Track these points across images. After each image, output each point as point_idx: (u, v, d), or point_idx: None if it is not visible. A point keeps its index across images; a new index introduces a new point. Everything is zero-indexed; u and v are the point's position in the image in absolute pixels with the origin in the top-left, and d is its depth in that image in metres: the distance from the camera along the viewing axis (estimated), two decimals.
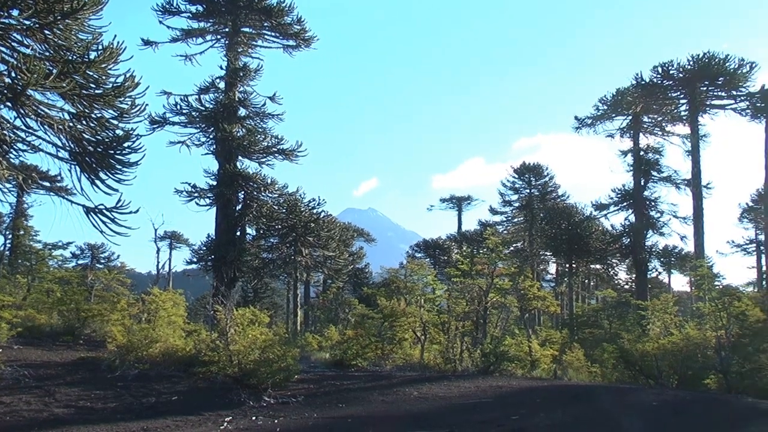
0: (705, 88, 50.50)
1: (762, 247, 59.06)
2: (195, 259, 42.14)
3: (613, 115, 53.59)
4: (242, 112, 38.50)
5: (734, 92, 50.34)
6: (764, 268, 57.12)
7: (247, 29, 39.05)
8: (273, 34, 39.37)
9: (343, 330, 30.20)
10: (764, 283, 54.75)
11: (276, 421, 13.67)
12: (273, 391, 16.19)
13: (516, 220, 69.86)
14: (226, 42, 38.46)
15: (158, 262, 42.67)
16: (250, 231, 41.81)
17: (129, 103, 18.93)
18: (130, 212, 19.63)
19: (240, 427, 13.26)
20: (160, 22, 38.11)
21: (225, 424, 13.42)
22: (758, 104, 49.53)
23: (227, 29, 38.52)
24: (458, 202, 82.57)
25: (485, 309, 24.27)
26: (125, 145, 19.17)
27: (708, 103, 51.49)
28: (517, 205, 69.24)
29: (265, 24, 38.77)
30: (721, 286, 25.64)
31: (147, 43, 37.54)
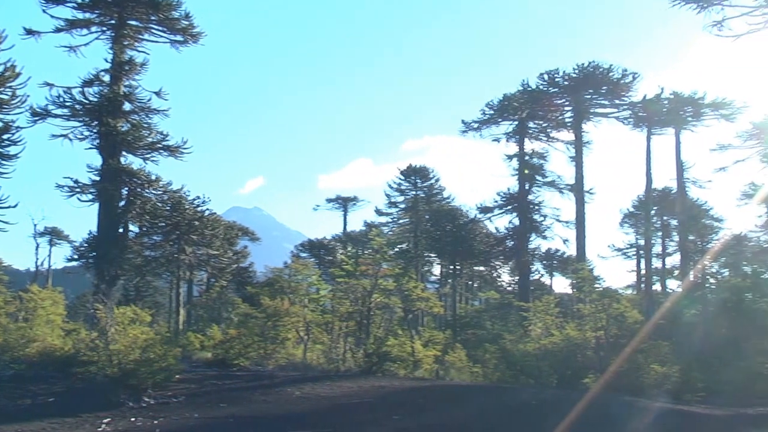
0: (589, 96, 51.83)
1: (641, 252, 60.80)
2: (76, 256, 41.14)
3: (500, 119, 54.28)
4: (127, 106, 37.51)
5: (617, 101, 51.86)
6: (643, 272, 58.83)
7: (134, 22, 38.08)
8: (160, 28, 38.49)
9: (226, 329, 29.83)
10: (643, 285, 56.45)
11: (156, 421, 13.37)
12: (153, 392, 15.87)
13: (401, 221, 70.11)
14: (112, 34, 37.40)
15: (37, 259, 41.50)
16: (133, 228, 41.02)
17: (9, 93, 18.32)
18: (9, 207, 19.01)
19: (118, 428, 12.92)
20: (44, 10, 36.72)
21: (103, 426, 13.06)
22: (640, 113, 51.13)
23: (113, 21, 37.47)
24: (344, 203, 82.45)
25: (369, 309, 24.28)
26: (5, 137, 18.54)
27: (592, 110, 52.86)
28: (402, 206, 69.46)
29: (152, 18, 37.89)
30: (601, 289, 26.23)
31: (29, 32, 36.13)
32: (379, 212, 71.01)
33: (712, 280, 34.13)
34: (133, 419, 13.59)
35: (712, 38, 28.62)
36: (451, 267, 66.86)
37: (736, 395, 19.77)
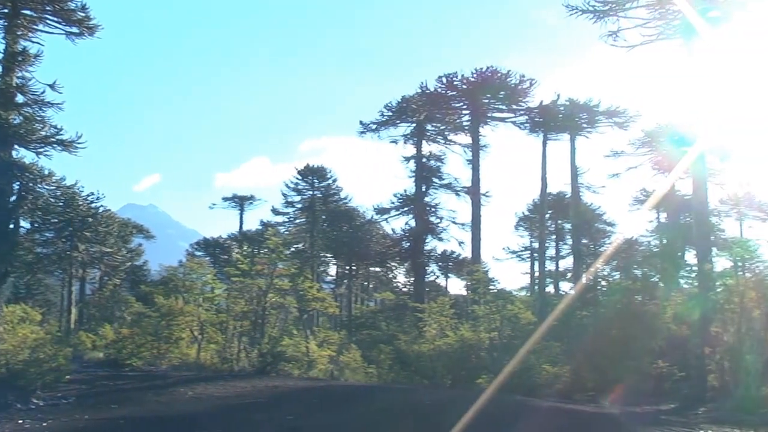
0: (487, 101, 52.42)
1: (535, 254, 61.92)
2: None
3: (398, 121, 54.37)
4: (20, 98, 36.26)
5: (515, 106, 52.63)
6: (537, 274, 59.92)
7: (28, 12, 36.89)
8: (56, 19, 37.37)
9: (119, 329, 29.15)
10: (536, 287, 57.47)
11: (45, 424, 12.93)
12: (43, 393, 15.39)
13: (298, 221, 69.68)
14: (5, 24, 36.15)
15: None
16: (25, 224, 39.73)
17: None
18: None
19: (5, 431, 12.46)
20: None
21: None
22: (537, 119, 52.02)
23: (6, 10, 36.23)
24: (241, 202, 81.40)
25: (264, 309, 24.09)
26: None
27: (489, 115, 53.51)
28: (299, 206, 69.07)
29: (48, 8, 36.71)
30: (495, 290, 26.62)
31: None
32: (275, 212, 70.40)
33: (603, 283, 34.91)
34: (20, 421, 13.11)
35: (607, 47, 29.25)
36: (347, 267, 66.92)
37: (625, 394, 20.27)
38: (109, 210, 51.39)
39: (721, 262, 25.14)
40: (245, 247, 57.91)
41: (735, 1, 27.53)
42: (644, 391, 21.13)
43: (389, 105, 53.69)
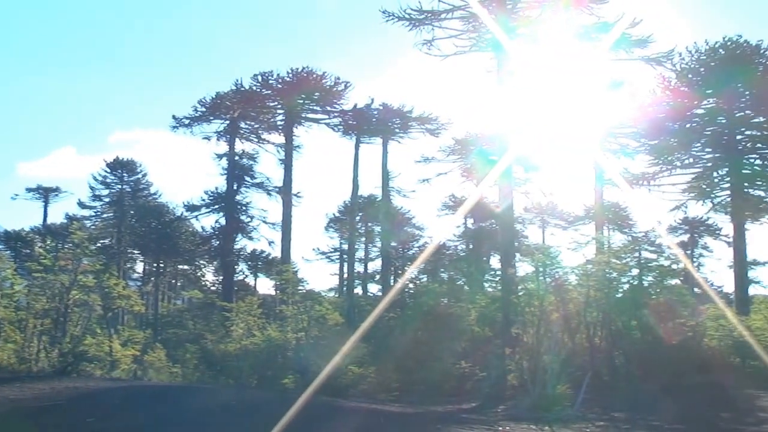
0: (302, 101, 52.29)
1: (345, 256, 62.43)
2: None
3: (211, 117, 53.39)
4: None
5: (329, 108, 52.78)
6: (345, 276, 60.43)
7: None
8: None
9: None
10: (345, 289, 57.94)
11: None
12: None
13: (105, 215, 67.43)
14: None
15: None
16: None
17: None
18: None
19: None
20: None
21: None
22: (350, 121, 52.37)
23: None
24: (45, 193, 77.96)
25: (67, 306, 23.11)
26: None
27: (304, 115, 53.43)
28: (107, 200, 66.91)
29: None
30: (304, 291, 26.60)
31: None
32: (82, 205, 67.79)
33: (411, 285, 35.56)
34: None
35: (422, 56, 29.74)
36: (155, 265, 65.47)
37: (428, 394, 20.67)
38: None
39: (524, 267, 26.06)
40: (49, 242, 55.45)
41: (541, 20, 28.69)
42: (447, 391, 21.61)
43: (203, 100, 52.62)
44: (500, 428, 14.81)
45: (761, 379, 22.43)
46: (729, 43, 38.35)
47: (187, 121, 53.37)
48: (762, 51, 37.93)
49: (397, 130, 53.33)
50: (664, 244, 29.78)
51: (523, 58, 28.49)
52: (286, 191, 51.11)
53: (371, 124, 52.41)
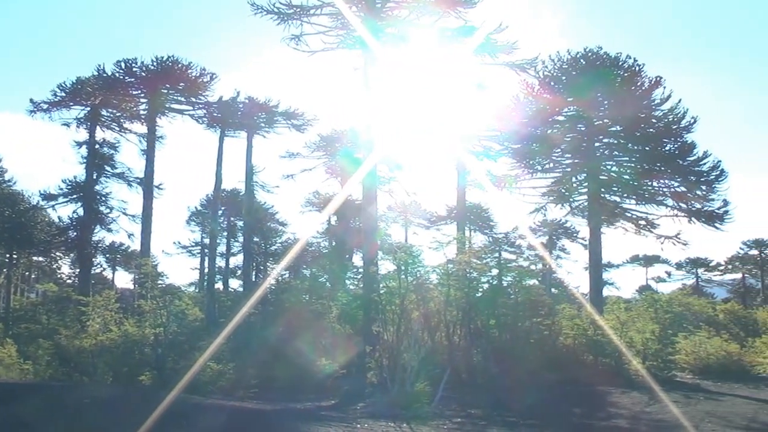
0: (166, 91, 51.19)
1: (206, 250, 61.65)
2: None
3: (72, 103, 51.47)
4: None
5: (194, 99, 51.79)
6: (206, 270, 59.66)
7: None
8: None
9: None
10: (205, 284, 57.17)
11: None
12: None
13: None
14: None
15: None
16: None
17: None
18: None
19: None
20: None
21: None
22: (215, 114, 51.58)
23: None
24: None
25: None
26: None
27: (168, 105, 52.30)
28: None
29: None
30: (164, 285, 26.13)
31: None
32: None
33: (273, 282, 35.38)
34: None
35: (290, 50, 29.53)
36: (8, 256, 62.89)
37: (288, 391, 20.60)
38: None
39: (386, 266, 26.23)
40: None
41: (410, 21, 28.95)
42: (307, 388, 21.58)
43: (63, 85, 50.66)
44: (358, 426, 14.85)
45: (612, 376, 23.41)
46: (590, 54, 39.66)
47: (45, 106, 51.30)
48: (620, 63, 39.35)
49: (263, 125, 52.90)
50: (531, 246, 30.55)
51: (391, 58, 28.70)
52: (147, 182, 49.93)
53: (236, 117, 51.81)
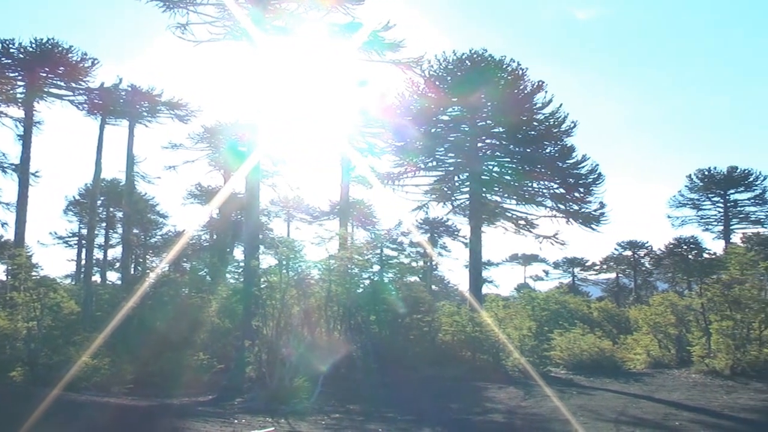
0: (45, 75, 49.60)
1: (84, 241, 60.12)
2: None
3: None
4: None
5: (74, 84, 50.26)
6: (83, 262, 58.14)
7: None
8: None
9: None
10: (82, 276, 55.71)
11: None
12: None
13: None
14: None
15: None
16: None
17: None
18: None
19: None
20: None
21: None
22: (96, 101, 50.21)
23: None
24: None
25: None
26: None
27: (46, 90, 50.68)
28: None
29: None
30: (38, 277, 25.32)
31: None
32: None
33: (152, 275, 34.72)
34: None
35: (178, 41, 28.97)
36: None
37: (165, 387, 20.28)
38: None
39: (268, 260, 26.11)
40: None
41: (297, 14, 28.80)
42: (184, 384, 21.29)
43: None
44: (236, 421, 14.77)
45: (490, 372, 23.91)
46: (475, 56, 40.34)
47: None
48: (504, 66, 40.15)
49: (145, 114, 51.77)
50: (413, 243, 30.87)
51: (278, 51, 28.51)
52: (23, 169, 48.26)
53: (118, 105, 50.50)
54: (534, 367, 23.91)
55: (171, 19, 28.39)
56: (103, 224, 61.42)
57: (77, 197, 63.81)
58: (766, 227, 67.89)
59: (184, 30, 28.71)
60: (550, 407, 17.31)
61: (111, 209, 61.83)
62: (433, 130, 41.85)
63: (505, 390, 20.87)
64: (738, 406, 16.90)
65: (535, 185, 41.72)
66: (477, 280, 41.01)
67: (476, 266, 41.40)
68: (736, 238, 68.17)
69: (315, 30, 29.63)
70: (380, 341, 23.65)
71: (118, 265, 59.19)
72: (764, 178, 66.90)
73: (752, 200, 68.60)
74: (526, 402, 18.63)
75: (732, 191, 68.91)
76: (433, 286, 67.07)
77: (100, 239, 60.28)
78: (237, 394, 19.25)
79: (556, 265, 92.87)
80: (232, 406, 17.54)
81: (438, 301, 32.10)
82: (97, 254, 58.99)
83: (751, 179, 67.53)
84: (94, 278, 54.55)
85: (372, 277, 25.95)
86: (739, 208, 69.67)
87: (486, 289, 65.78)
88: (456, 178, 43.16)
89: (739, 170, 67.77)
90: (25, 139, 48.58)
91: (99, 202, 57.13)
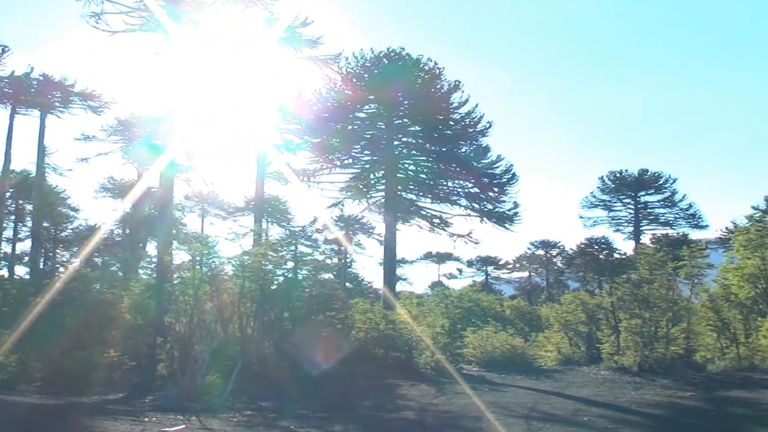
0: None
1: None
2: None
3: None
4: None
5: None
6: None
7: None
8: None
9: None
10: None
11: None
12: None
13: None
14: None
15: None
16: None
17: None
18: None
19: None
20: None
21: None
22: (6, 89, 48.95)
23: None
24: None
25: None
26: None
27: None
28: None
29: None
30: None
31: None
32: None
33: (62, 269, 34.06)
34: None
35: (90, 28, 28.31)
36: None
37: (74, 385, 19.91)
38: None
39: (181, 255, 25.76)
40: None
41: (215, 8, 28.48)
42: (94, 381, 20.93)
43: None
44: (146, 419, 14.62)
45: (403, 369, 24.13)
46: (393, 54, 40.55)
47: None
48: (421, 65, 40.44)
49: (57, 104, 50.80)
50: (328, 240, 30.90)
51: (194, 44, 28.16)
52: None
53: (29, 94, 49.45)
54: (447, 365, 24.19)
55: (85, 7, 27.72)
56: (12, 217, 59.83)
57: None
58: (674, 229, 69.97)
59: (99, 19, 28.05)
60: (461, 404, 17.55)
61: (20, 201, 60.29)
62: (349, 128, 41.92)
63: (418, 387, 21.08)
64: (644, 402, 17.42)
65: (450, 184, 42.14)
66: (391, 278, 41.21)
67: (391, 264, 41.60)
68: (645, 239, 70.22)
69: (233, 24, 29.42)
70: (293, 338, 23.61)
71: (26, 259, 57.79)
72: (674, 181, 69.08)
73: (662, 202, 70.67)
74: (438, 399, 18.85)
75: (642, 193, 70.81)
76: (348, 284, 67.23)
77: (8, 232, 58.74)
78: (148, 392, 19.01)
79: (469, 264, 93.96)
80: (143, 404, 17.34)
81: (352, 298, 32.13)
82: (5, 248, 57.61)
83: (661, 182, 69.55)
84: (0, 272, 53.31)
85: (286, 274, 25.88)
86: (649, 210, 71.64)
87: (400, 286, 66.26)
88: (372, 176, 43.30)
89: (649, 173, 69.71)
90: None
91: (8, 194, 55.71)
